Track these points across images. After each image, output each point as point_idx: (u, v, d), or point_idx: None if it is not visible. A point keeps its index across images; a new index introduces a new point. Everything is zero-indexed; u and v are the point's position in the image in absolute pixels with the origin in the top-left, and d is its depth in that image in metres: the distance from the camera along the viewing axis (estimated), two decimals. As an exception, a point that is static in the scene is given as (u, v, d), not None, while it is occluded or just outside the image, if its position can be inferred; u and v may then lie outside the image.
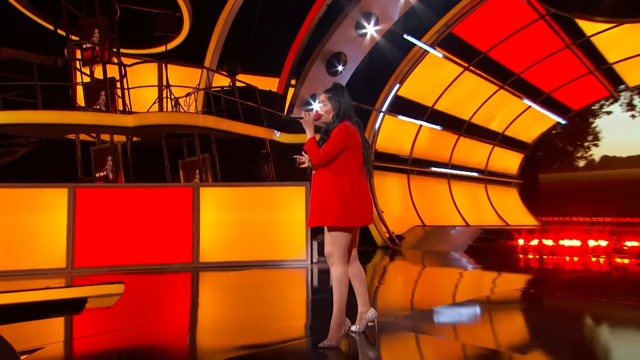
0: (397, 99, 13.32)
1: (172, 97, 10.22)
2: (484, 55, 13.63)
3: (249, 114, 10.49)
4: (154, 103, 10.48)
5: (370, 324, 3.52)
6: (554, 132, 18.88)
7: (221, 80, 12.08)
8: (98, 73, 9.89)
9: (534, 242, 10.51)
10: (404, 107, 13.66)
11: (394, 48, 12.00)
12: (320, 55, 11.39)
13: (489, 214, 17.01)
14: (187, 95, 10.69)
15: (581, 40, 13.39)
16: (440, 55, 12.94)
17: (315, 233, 8.29)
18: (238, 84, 11.46)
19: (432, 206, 15.04)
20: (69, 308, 5.34)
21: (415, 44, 12.38)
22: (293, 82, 12.28)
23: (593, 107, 17.75)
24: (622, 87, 16.59)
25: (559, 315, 4.58)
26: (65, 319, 4.81)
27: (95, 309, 5.06)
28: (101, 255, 7.63)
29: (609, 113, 17.52)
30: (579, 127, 18.15)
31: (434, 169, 15.79)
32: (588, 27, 12.80)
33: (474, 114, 15.86)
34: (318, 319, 4.22)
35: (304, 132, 3.35)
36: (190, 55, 12.32)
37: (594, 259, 9.07)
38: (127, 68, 9.91)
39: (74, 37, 10.09)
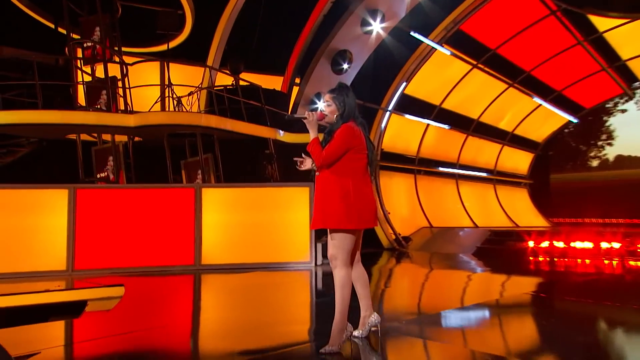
0: (404, 97, 13.22)
1: (174, 96, 10.20)
2: (493, 53, 13.47)
3: (252, 113, 10.48)
4: (156, 102, 10.45)
5: (373, 328, 3.48)
6: (566, 131, 18.63)
7: (224, 79, 12.06)
8: (99, 72, 9.93)
9: (545, 244, 10.37)
10: (410, 105, 13.56)
11: (400, 45, 11.91)
12: (325, 53, 11.34)
13: (498, 215, 16.83)
14: (189, 94, 10.67)
15: (593, 37, 13.18)
16: (448, 53, 12.84)
17: (320, 235, 8.24)
18: (241, 82, 11.43)
19: (439, 207, 14.91)
20: (68, 311, 5.27)
21: (422, 42, 12.27)
22: (297, 80, 12.26)
23: (607, 105, 17.47)
24: (636, 84, 16.30)
25: (570, 321, 4.50)
26: (63, 322, 4.71)
27: (95, 312, 5.06)
28: (102, 257, 7.59)
29: (623, 111, 17.22)
30: (592, 125, 17.89)
31: (441, 169, 15.65)
32: (601, 22, 12.59)
33: (483, 112, 15.68)
34: (322, 323, 4.16)
35: (308, 131, 3.33)
36: (192, 53, 12.33)
37: (606, 262, 8.92)
38: (128, 67, 9.92)
39: (75, 36, 10.14)
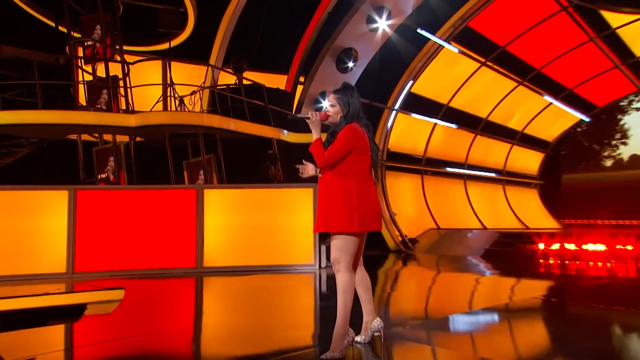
0: (411, 96, 13.12)
1: (176, 95, 10.13)
2: (502, 50, 13.33)
3: (255, 112, 10.39)
4: (158, 102, 10.38)
5: (376, 334, 3.45)
6: (579, 129, 18.44)
7: (227, 78, 11.98)
8: (100, 71, 9.90)
9: (556, 246, 10.26)
10: (417, 104, 13.45)
11: (407, 43, 11.81)
12: (330, 52, 11.26)
13: (508, 217, 16.67)
14: (191, 93, 10.61)
15: (606, 33, 13.02)
16: (456, 50, 12.73)
17: (324, 236, 8.15)
18: (244, 81, 11.36)
19: (447, 208, 14.78)
20: (67, 315, 5.23)
21: (429, 39, 12.19)
22: (302, 79, 12.21)
23: (621, 104, 17.27)
24: (651, 82, 16.04)
25: (582, 326, 4.42)
26: (62, 326, 4.78)
27: (95, 316, 5.06)
28: (103, 260, 7.51)
29: (638, 109, 17.03)
30: (606, 124, 17.68)
31: (449, 169, 15.50)
32: (613, 18, 12.42)
33: (492, 111, 15.51)
34: (326, 327, 4.10)
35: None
36: (195, 52, 12.31)
37: (620, 265, 8.79)
38: (130, 66, 9.87)
39: (75, 35, 10.13)
